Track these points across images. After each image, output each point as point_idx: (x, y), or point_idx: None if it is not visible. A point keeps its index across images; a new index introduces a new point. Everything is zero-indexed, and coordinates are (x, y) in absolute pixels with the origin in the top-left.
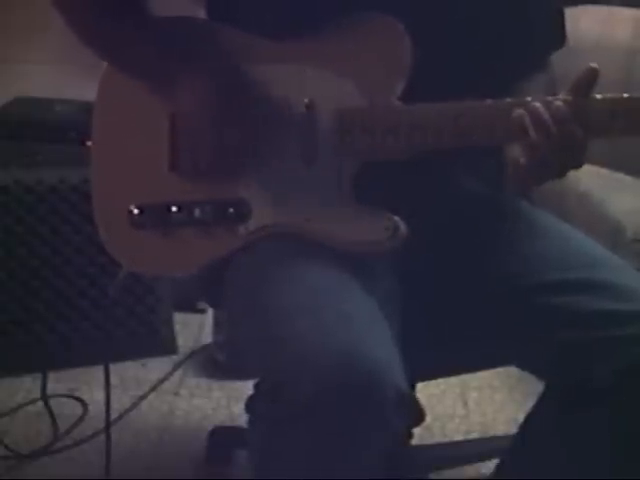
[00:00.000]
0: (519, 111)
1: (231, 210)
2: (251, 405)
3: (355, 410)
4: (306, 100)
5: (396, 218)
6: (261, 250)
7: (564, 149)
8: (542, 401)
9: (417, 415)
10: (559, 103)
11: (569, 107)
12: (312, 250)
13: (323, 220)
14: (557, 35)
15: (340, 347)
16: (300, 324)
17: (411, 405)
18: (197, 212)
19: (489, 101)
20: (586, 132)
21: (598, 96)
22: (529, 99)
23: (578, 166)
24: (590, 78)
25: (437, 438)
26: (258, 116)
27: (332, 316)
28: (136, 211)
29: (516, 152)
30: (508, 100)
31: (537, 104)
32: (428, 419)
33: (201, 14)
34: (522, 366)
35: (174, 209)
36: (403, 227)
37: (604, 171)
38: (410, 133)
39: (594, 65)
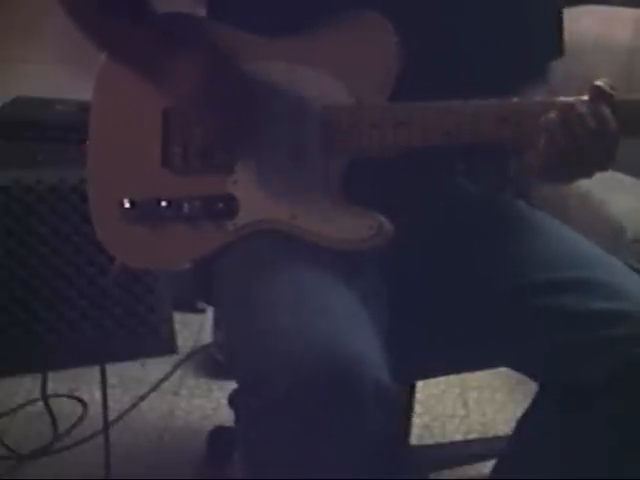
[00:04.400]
0: (552, 114)
1: (220, 206)
2: (233, 400)
3: (333, 404)
4: (295, 97)
5: (381, 217)
6: (247, 246)
7: (599, 143)
8: (536, 402)
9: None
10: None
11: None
12: (297, 246)
13: (309, 217)
14: (555, 44)
15: (319, 341)
16: (280, 318)
17: (394, 397)
18: (186, 207)
19: (474, 100)
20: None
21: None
22: (559, 99)
23: (609, 165)
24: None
25: (437, 438)
26: (247, 113)
27: (311, 310)
28: (128, 205)
29: (547, 145)
30: (493, 100)
31: (573, 100)
32: (428, 419)
33: (202, 13)
34: (516, 367)
35: (164, 204)
36: (388, 226)
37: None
38: (396, 131)
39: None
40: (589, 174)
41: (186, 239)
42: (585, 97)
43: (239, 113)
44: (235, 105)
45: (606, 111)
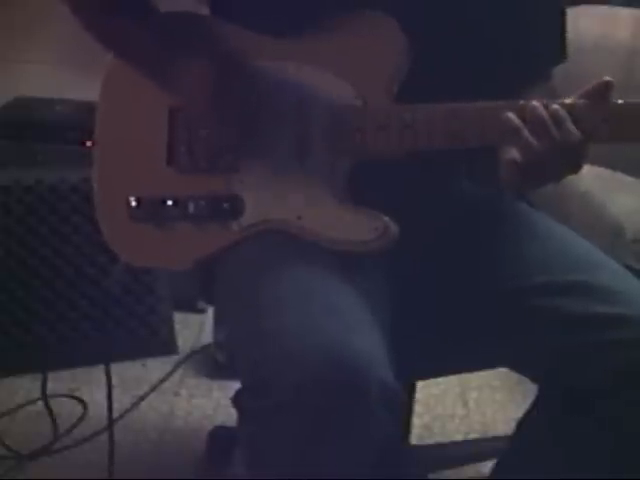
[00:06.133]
0: (508, 114)
1: (225, 206)
2: (237, 400)
3: (338, 403)
4: (300, 98)
5: (386, 218)
6: (252, 246)
7: (562, 151)
8: (536, 404)
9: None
10: (556, 105)
11: (567, 109)
12: (302, 247)
13: (314, 218)
14: (558, 49)
15: (323, 340)
16: (285, 319)
17: (399, 397)
18: (191, 207)
19: (480, 102)
20: (584, 136)
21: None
22: (522, 102)
23: (576, 170)
24: (605, 90)
25: (437, 438)
26: (253, 113)
27: (317, 310)
28: (134, 204)
29: (513, 153)
30: (499, 102)
31: (535, 103)
32: (428, 419)
33: (205, 12)
34: (516, 369)
35: (169, 203)
36: (393, 227)
37: (605, 172)
38: (401, 132)
39: (609, 78)
40: (557, 179)
41: (191, 239)
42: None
43: (245, 114)
44: (240, 106)
45: (565, 118)
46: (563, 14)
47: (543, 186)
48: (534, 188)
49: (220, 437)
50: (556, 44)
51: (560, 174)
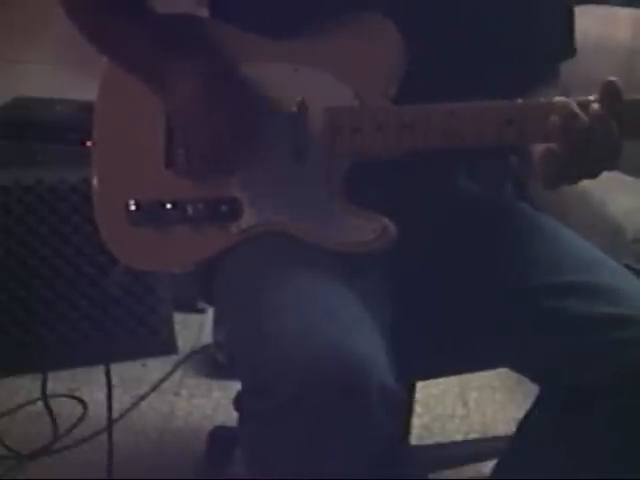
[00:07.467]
0: (553, 117)
1: (223, 208)
2: (239, 402)
3: (339, 405)
4: (298, 99)
5: (385, 219)
6: (251, 249)
7: (600, 145)
8: (538, 403)
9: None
10: (595, 104)
11: (603, 103)
12: (300, 248)
13: (312, 220)
14: (566, 44)
15: (324, 343)
16: (285, 321)
17: (398, 399)
18: (190, 210)
19: (478, 102)
20: (621, 130)
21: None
22: (520, 100)
23: (613, 166)
24: (612, 89)
25: (437, 438)
26: (251, 115)
27: (317, 313)
28: (133, 207)
29: (549, 147)
30: (498, 101)
31: (573, 105)
32: (428, 419)
33: (204, 14)
34: (518, 369)
35: (168, 206)
36: (392, 228)
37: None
38: (399, 133)
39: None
40: (593, 176)
41: (190, 241)
42: (591, 97)
43: (240, 117)
44: (236, 109)
45: (607, 116)
46: (570, 8)
47: (578, 181)
48: (569, 183)
49: (220, 437)
50: (564, 39)
51: (597, 170)
